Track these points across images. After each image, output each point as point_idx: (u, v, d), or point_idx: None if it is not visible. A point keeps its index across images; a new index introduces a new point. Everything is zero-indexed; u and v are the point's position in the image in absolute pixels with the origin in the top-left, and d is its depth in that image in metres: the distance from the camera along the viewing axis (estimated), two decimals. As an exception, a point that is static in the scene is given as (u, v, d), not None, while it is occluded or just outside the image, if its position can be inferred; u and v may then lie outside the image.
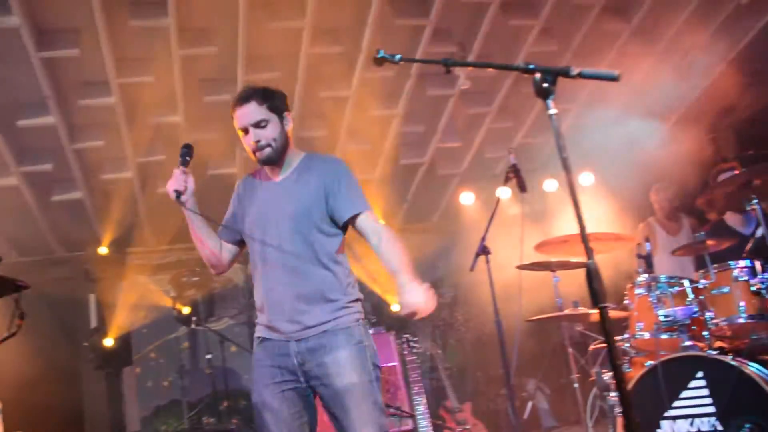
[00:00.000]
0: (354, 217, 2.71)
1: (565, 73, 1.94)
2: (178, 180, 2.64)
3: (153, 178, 6.55)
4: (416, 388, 4.96)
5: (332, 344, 2.60)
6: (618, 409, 3.99)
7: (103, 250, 7.18)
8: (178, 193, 2.62)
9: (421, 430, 4.90)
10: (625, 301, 4.38)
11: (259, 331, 2.74)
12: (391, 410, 4.53)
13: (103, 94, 5.56)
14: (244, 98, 2.70)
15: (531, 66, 2.00)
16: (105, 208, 6.85)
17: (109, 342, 7.27)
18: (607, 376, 4.37)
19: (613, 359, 1.89)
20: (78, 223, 6.96)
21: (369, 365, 2.64)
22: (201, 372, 7.73)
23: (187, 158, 2.72)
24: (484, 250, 4.26)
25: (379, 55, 2.42)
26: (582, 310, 4.70)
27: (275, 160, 2.74)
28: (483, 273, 4.23)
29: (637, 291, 4.21)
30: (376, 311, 7.87)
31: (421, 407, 4.91)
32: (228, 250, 2.87)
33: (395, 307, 7.93)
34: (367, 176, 7.39)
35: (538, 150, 7.73)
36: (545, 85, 1.95)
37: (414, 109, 6.72)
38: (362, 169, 7.26)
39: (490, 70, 6.89)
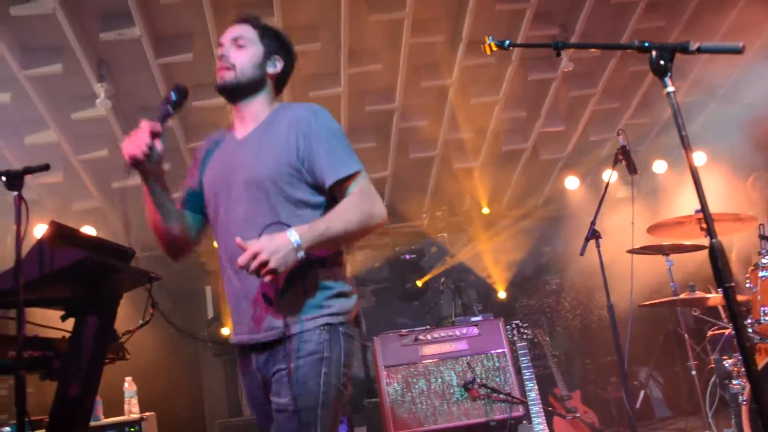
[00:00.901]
0: (343, 182, 2.07)
1: (684, 49, 1.89)
2: (137, 140, 1.99)
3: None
4: (527, 373, 4.96)
5: (286, 354, 2.01)
6: (743, 398, 3.83)
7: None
8: (136, 162, 2.00)
9: (533, 416, 4.88)
10: (747, 285, 4.18)
11: (233, 338, 2.22)
12: (502, 396, 4.54)
13: (214, 95, 5.82)
14: (241, 19, 2.29)
15: (646, 44, 1.96)
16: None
17: (225, 331, 7.65)
18: (728, 363, 4.19)
19: (742, 342, 1.84)
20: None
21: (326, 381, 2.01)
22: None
23: (170, 106, 2.13)
24: (594, 234, 4.18)
25: (488, 42, 2.42)
26: (699, 294, 4.53)
27: (232, 91, 2.19)
28: (590, 258, 4.16)
29: (762, 274, 4.02)
30: (482, 298, 7.87)
31: (533, 393, 4.90)
32: (194, 221, 2.29)
33: (502, 294, 7.91)
34: (470, 163, 7.41)
35: (645, 130, 7.49)
36: (662, 62, 1.90)
37: (516, 94, 6.65)
38: (465, 156, 7.29)
39: (594, 50, 6.74)
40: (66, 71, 5.18)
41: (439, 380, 4.75)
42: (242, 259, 1.85)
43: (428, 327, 5.16)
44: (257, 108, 2.23)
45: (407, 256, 8.11)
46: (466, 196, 8.13)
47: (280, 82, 2.32)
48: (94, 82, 5.30)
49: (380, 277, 8.65)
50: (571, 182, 7.82)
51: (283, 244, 1.87)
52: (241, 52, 2.19)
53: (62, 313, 3.07)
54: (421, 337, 4.97)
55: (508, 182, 7.94)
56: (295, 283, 2.03)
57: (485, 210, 7.90)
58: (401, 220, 8.20)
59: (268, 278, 1.85)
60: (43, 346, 3.09)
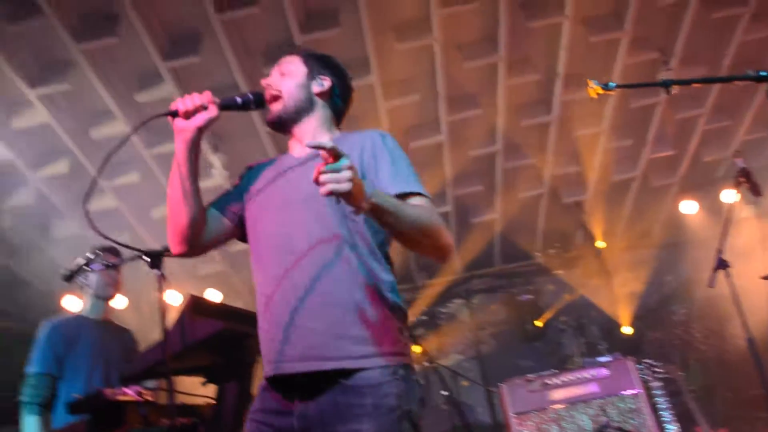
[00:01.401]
0: (405, 197, 1.85)
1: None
2: (190, 99, 1.92)
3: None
4: (666, 415, 4.72)
5: (357, 409, 1.73)
6: None
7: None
8: (175, 113, 1.92)
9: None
10: None
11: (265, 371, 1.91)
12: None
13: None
14: (287, 53, 2.22)
15: (762, 73, 1.90)
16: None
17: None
18: None
19: None
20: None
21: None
22: (436, 408, 7.95)
23: (239, 98, 2.05)
24: (722, 264, 3.97)
25: (591, 86, 2.41)
26: None
27: (284, 121, 2.09)
28: (719, 285, 3.94)
29: None
30: (606, 334, 7.59)
31: (675, 434, 4.66)
32: (219, 223, 2.08)
33: (626, 329, 7.61)
34: (580, 197, 7.27)
35: (763, 146, 7.10)
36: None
37: (619, 123, 6.50)
38: (574, 190, 7.17)
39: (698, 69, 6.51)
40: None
41: (573, 425, 4.61)
42: (323, 143, 1.55)
43: (555, 371, 5.03)
44: (312, 127, 2.10)
45: (524, 297, 7.97)
46: (578, 230, 7.95)
47: (335, 106, 2.17)
48: (209, 153, 5.65)
49: (497, 319, 8.53)
50: (688, 206, 7.47)
51: (359, 179, 1.57)
52: (285, 78, 2.12)
53: (203, 380, 3.25)
54: (548, 381, 4.86)
55: (620, 212, 7.70)
56: (369, 305, 1.80)
57: (600, 243, 7.68)
58: (514, 260, 8.11)
59: (325, 190, 1.53)
60: (191, 413, 3.28)
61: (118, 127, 5.32)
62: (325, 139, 2.04)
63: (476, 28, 5.39)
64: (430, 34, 5.08)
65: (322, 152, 1.55)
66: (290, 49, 2.32)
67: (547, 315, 7.83)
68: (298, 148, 2.11)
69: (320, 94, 2.12)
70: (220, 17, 4.59)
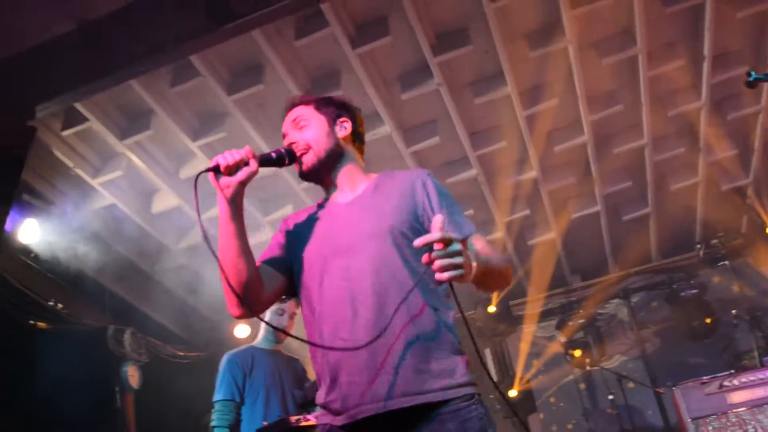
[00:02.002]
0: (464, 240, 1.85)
1: None
2: (230, 154, 1.90)
3: (521, 231, 7.03)
4: None
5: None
6: None
7: (492, 309, 7.68)
8: (217, 168, 1.87)
9: None
10: None
11: (324, 417, 1.90)
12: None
13: (464, 169, 6.12)
14: (289, 105, 2.20)
15: None
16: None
17: (513, 393, 7.70)
18: None
19: None
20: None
21: None
22: (603, 412, 7.72)
23: (275, 154, 2.02)
24: None
25: (751, 78, 2.29)
26: None
27: (318, 170, 2.08)
28: None
29: None
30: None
31: None
32: (273, 279, 2.03)
33: None
34: (740, 182, 6.81)
35: None
36: None
37: (781, 97, 6.03)
38: (733, 176, 6.75)
39: None
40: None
41: (759, 431, 4.31)
42: (431, 237, 1.58)
43: (732, 371, 4.74)
44: (350, 172, 2.13)
45: (688, 292, 7.55)
46: (742, 217, 7.43)
47: (359, 144, 2.22)
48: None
49: (660, 317, 8.13)
50: None
51: (468, 256, 1.64)
52: (305, 130, 2.10)
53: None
54: (726, 383, 4.59)
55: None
56: (441, 340, 1.84)
57: (769, 229, 7.14)
58: (672, 254, 7.73)
59: (446, 276, 1.57)
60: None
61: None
62: (368, 180, 2.12)
63: (610, 23, 5.24)
64: (564, 36, 5.00)
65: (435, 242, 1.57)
66: (292, 100, 2.21)
67: (717, 310, 7.36)
68: (341, 195, 2.11)
69: (345, 138, 2.14)
70: (357, 52, 4.79)
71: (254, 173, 1.91)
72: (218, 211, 1.91)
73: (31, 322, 5.59)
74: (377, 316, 1.82)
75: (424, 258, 1.59)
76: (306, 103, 2.17)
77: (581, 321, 7.76)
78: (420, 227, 1.96)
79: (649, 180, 6.60)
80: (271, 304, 2.08)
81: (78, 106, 4.82)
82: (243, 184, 1.90)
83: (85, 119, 5.03)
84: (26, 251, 5.37)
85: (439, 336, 1.84)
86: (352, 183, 2.11)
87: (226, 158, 1.87)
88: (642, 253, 7.82)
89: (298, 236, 2.07)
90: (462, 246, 1.61)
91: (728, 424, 4.44)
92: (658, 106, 5.90)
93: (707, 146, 6.33)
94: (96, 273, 6.16)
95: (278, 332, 4.01)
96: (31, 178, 5.31)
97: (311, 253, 2.00)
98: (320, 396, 1.90)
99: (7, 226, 4.59)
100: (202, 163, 5.60)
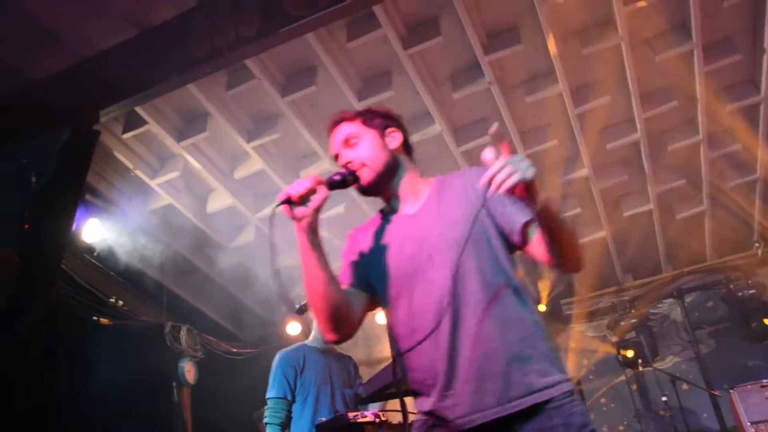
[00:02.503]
0: (527, 225, 1.92)
1: None
2: (299, 184, 1.88)
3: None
4: None
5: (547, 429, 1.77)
6: None
7: (542, 307, 7.65)
8: (288, 200, 1.86)
9: None
10: None
11: (422, 421, 1.92)
12: None
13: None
14: (333, 124, 2.17)
15: None
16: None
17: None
18: None
19: None
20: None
21: None
22: (656, 414, 7.61)
23: (339, 176, 2.01)
24: None
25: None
26: None
27: (377, 184, 2.06)
28: None
29: None
30: None
31: None
32: (360, 299, 2.04)
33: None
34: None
35: None
36: None
37: None
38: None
39: None
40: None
41: (822, 435, 4.21)
42: (488, 174, 1.63)
43: (793, 373, 4.63)
44: (409, 181, 2.12)
45: (745, 292, 7.37)
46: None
47: (410, 152, 2.20)
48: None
49: (716, 317, 7.97)
50: None
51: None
52: (356, 148, 2.07)
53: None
54: (786, 385, 4.49)
55: None
56: (537, 340, 1.87)
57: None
58: (730, 253, 7.56)
59: (515, 178, 1.61)
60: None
61: (323, 165, 5.78)
62: (428, 187, 2.11)
63: (664, 19, 5.17)
64: (616, 33, 4.95)
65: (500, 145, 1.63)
66: (335, 119, 2.16)
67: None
68: (406, 205, 2.10)
69: (397, 148, 2.12)
70: (408, 52, 4.84)
71: (326, 198, 1.90)
72: (298, 243, 1.89)
73: (94, 318, 5.80)
74: (472, 325, 1.84)
75: (484, 179, 1.63)
76: (350, 119, 2.14)
77: (633, 321, 7.67)
78: (491, 223, 1.96)
79: (705, 177, 6.48)
80: (362, 322, 2.06)
81: (138, 109, 4.99)
82: (317, 211, 1.89)
83: (144, 122, 5.21)
84: (89, 250, 5.58)
85: (533, 335, 1.87)
86: (413, 192, 2.10)
87: (296, 188, 1.86)
88: (697, 252, 7.68)
89: (371, 253, 2.07)
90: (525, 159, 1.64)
91: (790, 427, 4.34)
92: (716, 101, 5.78)
93: (765, 142, 6.18)
94: (154, 271, 6.35)
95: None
96: (94, 179, 5.53)
97: (390, 269, 2.00)
98: (425, 403, 1.90)
99: (73, 226, 4.77)
100: (257, 163, 5.73)
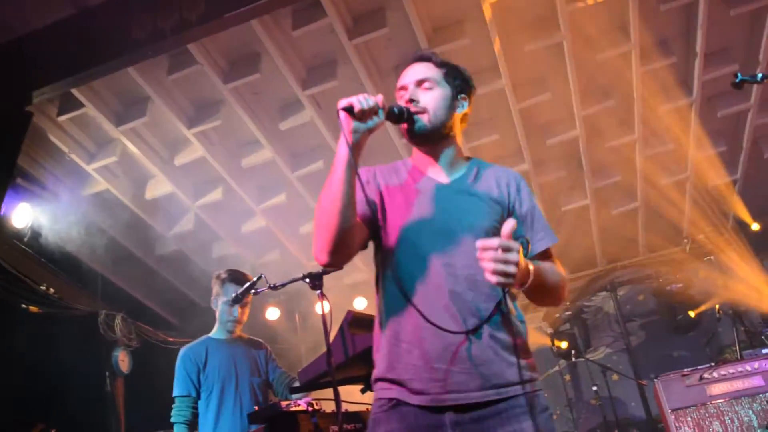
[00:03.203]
0: (548, 250, 2.04)
1: None
2: (365, 99, 1.83)
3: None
4: None
5: (516, 410, 1.83)
6: None
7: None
8: (351, 110, 1.81)
9: None
10: None
11: (391, 391, 1.91)
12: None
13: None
14: (420, 57, 2.12)
15: None
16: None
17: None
18: None
19: None
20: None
21: None
22: (587, 403, 7.86)
23: (396, 111, 1.94)
24: None
25: (737, 80, 2.36)
26: None
27: (428, 135, 2.02)
28: None
29: None
30: (768, 323, 7.15)
31: None
32: (361, 233, 2.00)
33: None
34: (729, 178, 6.92)
35: None
36: None
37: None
38: (722, 171, 6.84)
39: None
40: (326, 167, 5.87)
41: (736, 422, 4.43)
42: (491, 242, 1.65)
43: (712, 364, 4.84)
44: (453, 151, 2.08)
45: (673, 286, 7.67)
46: (728, 214, 7.55)
47: (464, 121, 2.17)
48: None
49: (646, 310, 8.27)
50: None
51: (523, 261, 1.72)
52: (428, 93, 2.03)
53: (361, 387, 3.46)
54: (706, 375, 4.69)
55: (776, 192, 7.24)
56: (523, 335, 1.94)
57: (754, 226, 7.25)
58: (661, 248, 7.84)
59: (496, 279, 1.64)
60: (355, 419, 3.52)
61: (265, 154, 5.73)
62: (465, 163, 2.09)
63: (605, 19, 5.30)
64: (558, 31, 5.05)
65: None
66: (425, 54, 2.12)
67: (704, 306, 7.49)
68: (439, 172, 2.07)
69: (459, 115, 2.09)
70: (354, 43, 4.83)
71: (381, 123, 1.87)
72: (337, 154, 1.85)
73: (23, 305, 5.60)
74: (473, 311, 1.86)
75: (479, 254, 1.65)
76: (437, 64, 2.09)
77: (568, 313, 7.87)
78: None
79: (639, 175, 6.69)
80: (352, 257, 2.00)
81: (74, 91, 4.83)
82: (370, 131, 1.85)
83: (81, 105, 5.05)
84: (19, 236, 5.37)
85: (521, 335, 1.93)
86: (452, 162, 2.07)
87: (361, 102, 1.81)
88: (629, 247, 7.93)
89: (390, 200, 2.03)
90: (520, 257, 1.67)
91: (707, 415, 4.54)
92: (650, 102, 5.96)
93: (697, 142, 6.41)
94: (89, 258, 6.18)
95: (234, 322, 3.95)
96: (26, 162, 5.33)
97: (408, 229, 1.97)
98: (391, 371, 1.91)
99: (1, 210, 4.59)
100: (197, 150, 5.63)
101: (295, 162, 5.94)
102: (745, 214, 7.28)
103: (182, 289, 7.23)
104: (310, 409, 3.38)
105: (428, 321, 1.83)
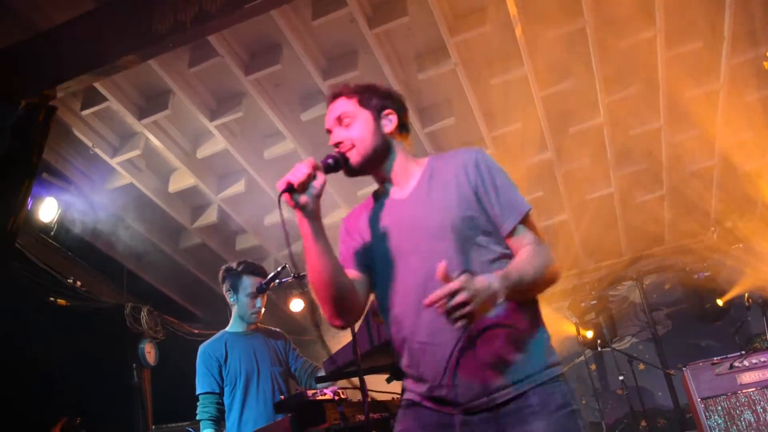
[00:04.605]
0: (516, 226, 1.96)
1: None
2: (298, 171, 1.85)
3: (536, 212, 7.01)
4: None
5: (526, 411, 1.82)
6: None
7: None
8: (291, 188, 1.83)
9: None
10: None
11: (410, 394, 1.98)
12: None
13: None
14: (332, 96, 2.13)
15: None
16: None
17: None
18: None
19: None
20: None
21: None
22: (614, 393, 7.79)
23: (331, 163, 1.98)
24: None
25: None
26: None
27: (365, 165, 2.04)
28: None
29: None
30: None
31: None
32: (362, 282, 2.04)
33: None
34: (756, 164, 6.78)
35: None
36: None
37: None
38: (749, 157, 6.71)
39: None
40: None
41: (769, 410, 4.36)
42: (436, 296, 1.66)
43: (742, 352, 4.77)
44: (401, 164, 2.09)
45: (701, 274, 7.56)
46: (757, 200, 7.41)
47: (405, 132, 2.16)
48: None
49: (673, 299, 8.17)
50: None
51: (483, 288, 1.68)
52: (350, 129, 2.04)
53: (387, 376, 3.46)
54: (736, 363, 4.63)
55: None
56: (528, 328, 1.90)
57: (784, 212, 7.12)
58: (687, 237, 7.73)
59: (459, 324, 1.66)
60: (381, 408, 3.51)
61: (287, 145, 5.73)
62: (420, 168, 2.08)
63: (628, 4, 5.21)
64: (581, 17, 4.97)
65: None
66: (334, 92, 2.13)
67: (732, 293, 7.37)
68: (397, 189, 2.09)
69: (391, 132, 2.09)
70: (374, 32, 4.80)
71: (324, 182, 1.89)
72: (302, 231, 1.88)
73: (51, 298, 5.68)
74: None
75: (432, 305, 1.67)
76: (348, 95, 2.09)
77: (593, 302, 7.80)
78: (480, 210, 1.96)
79: (665, 163, 6.59)
80: (367, 305, 2.05)
81: (97, 85, 4.86)
82: (319, 197, 1.88)
83: (104, 99, 5.07)
84: (46, 229, 5.43)
85: (524, 330, 1.89)
86: (405, 175, 2.08)
87: (296, 176, 1.83)
88: (655, 235, 7.83)
89: (366, 235, 2.08)
90: (472, 291, 1.65)
91: (737, 404, 4.48)
92: (676, 88, 5.85)
93: (724, 128, 6.30)
94: (114, 251, 6.24)
95: (257, 314, 3.96)
96: (51, 156, 5.38)
97: (382, 255, 2.01)
98: (410, 382, 1.98)
99: (28, 204, 4.64)
100: (220, 143, 5.65)
101: (316, 153, 5.93)
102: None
103: (207, 282, 7.27)
104: (336, 398, 3.38)
105: (414, 344, 1.90)
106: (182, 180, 6.07)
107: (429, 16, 4.81)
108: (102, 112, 5.30)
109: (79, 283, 5.94)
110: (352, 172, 2.05)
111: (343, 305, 1.94)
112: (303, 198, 1.83)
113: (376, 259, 2.03)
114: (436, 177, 2.04)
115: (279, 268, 3.79)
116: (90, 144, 5.45)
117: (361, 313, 2.04)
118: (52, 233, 5.49)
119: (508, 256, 1.95)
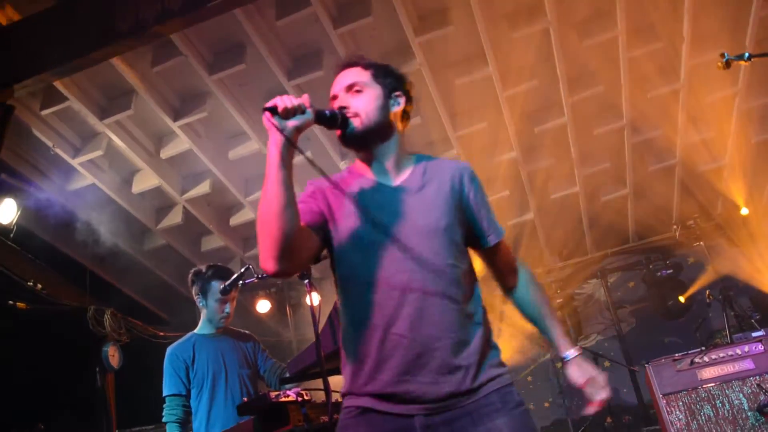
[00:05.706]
0: (498, 244, 2.07)
1: None
2: (289, 99, 1.80)
3: (499, 212, 7.05)
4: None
5: (487, 408, 1.84)
6: None
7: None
8: (275, 110, 1.78)
9: None
10: None
11: (359, 400, 1.88)
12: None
13: (446, 149, 6.16)
14: (347, 63, 2.09)
15: None
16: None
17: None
18: None
19: None
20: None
21: None
22: (579, 391, 7.86)
23: (328, 114, 1.93)
24: None
25: (725, 59, 2.35)
26: None
27: (363, 138, 1.98)
28: None
29: None
30: (758, 305, 7.18)
31: None
32: (311, 241, 1.93)
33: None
34: (717, 164, 6.92)
35: None
36: None
37: (758, 79, 6.11)
38: (710, 157, 6.85)
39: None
40: (315, 158, 5.81)
41: (727, 405, 4.44)
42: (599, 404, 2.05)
43: (703, 348, 4.85)
44: (396, 151, 2.04)
45: (663, 272, 7.70)
46: (717, 199, 7.56)
47: (405, 118, 2.12)
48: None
49: (636, 296, 8.30)
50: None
51: (598, 372, 2.12)
52: (358, 98, 1.99)
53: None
54: (697, 359, 4.69)
55: (765, 176, 7.24)
56: (486, 339, 1.93)
57: (744, 210, 7.27)
58: (650, 235, 7.85)
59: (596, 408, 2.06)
60: (346, 410, 3.50)
61: (252, 146, 5.69)
62: (410, 161, 2.07)
63: (590, 5, 5.28)
64: (545, 17, 5.02)
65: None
66: (353, 59, 2.09)
67: (692, 290, 7.52)
68: (386, 175, 2.03)
69: (396, 114, 2.05)
70: (338, 32, 4.79)
71: (310, 123, 1.83)
72: (268, 156, 1.81)
73: (10, 302, 5.56)
74: (433, 317, 1.85)
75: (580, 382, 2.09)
76: (364, 66, 2.05)
77: (559, 301, 7.88)
78: (464, 220, 2.00)
79: (628, 161, 6.69)
80: (304, 267, 2.02)
81: (57, 84, 4.78)
82: (299, 130, 1.81)
83: (64, 98, 5.00)
84: (5, 231, 5.32)
85: (486, 332, 1.95)
86: (396, 163, 2.03)
87: (284, 101, 1.78)
88: (619, 233, 7.95)
89: (339, 207, 1.97)
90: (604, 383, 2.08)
91: (698, 399, 4.55)
92: (638, 87, 5.95)
93: (686, 128, 6.41)
94: (76, 253, 6.14)
95: (226, 318, 3.92)
96: (10, 157, 5.27)
97: (360, 235, 1.93)
98: (357, 386, 1.89)
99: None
100: (184, 143, 5.59)
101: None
102: (734, 199, 7.29)
103: (172, 284, 7.19)
104: (299, 399, 3.37)
105: (388, 334, 1.84)
106: (146, 180, 6.00)
107: (393, 17, 4.82)
108: (62, 111, 5.22)
109: (39, 285, 5.83)
110: (348, 138, 1.98)
111: (284, 247, 1.78)
112: (282, 123, 1.78)
113: (348, 238, 1.93)
114: (431, 177, 2.02)
115: (242, 269, 3.76)
116: (51, 144, 5.35)
117: (299, 267, 1.93)
118: (11, 235, 5.37)
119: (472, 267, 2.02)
